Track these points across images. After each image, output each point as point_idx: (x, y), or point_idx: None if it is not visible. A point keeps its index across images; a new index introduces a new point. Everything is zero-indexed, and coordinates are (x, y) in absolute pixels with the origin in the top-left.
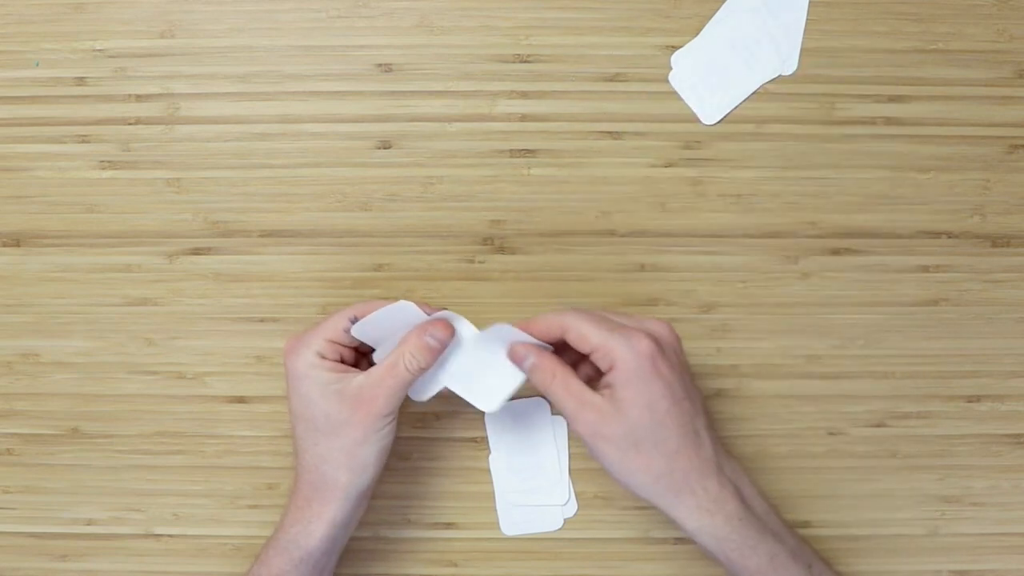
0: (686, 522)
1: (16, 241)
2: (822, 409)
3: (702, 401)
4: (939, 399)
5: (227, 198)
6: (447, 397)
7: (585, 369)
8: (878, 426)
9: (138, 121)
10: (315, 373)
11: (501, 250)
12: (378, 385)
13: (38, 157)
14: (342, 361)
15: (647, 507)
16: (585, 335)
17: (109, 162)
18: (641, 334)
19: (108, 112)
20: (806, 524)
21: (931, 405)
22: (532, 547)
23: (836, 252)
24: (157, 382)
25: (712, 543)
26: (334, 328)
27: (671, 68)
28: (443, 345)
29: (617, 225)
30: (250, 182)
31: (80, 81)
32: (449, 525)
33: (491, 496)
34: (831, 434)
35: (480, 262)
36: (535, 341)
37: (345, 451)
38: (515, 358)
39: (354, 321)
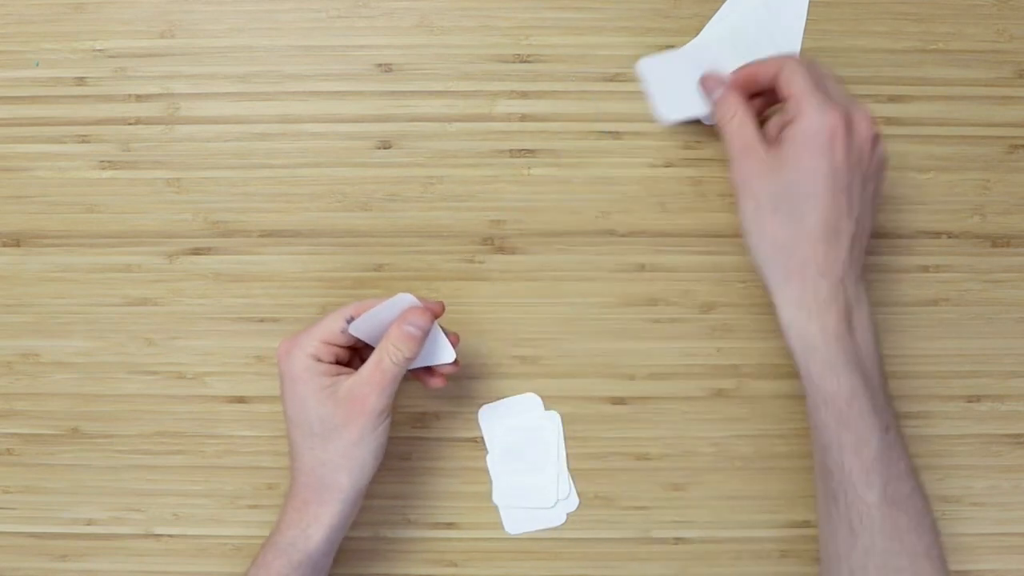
0: (782, 310)
1: (16, 241)
2: None
3: (866, 215)
4: (939, 399)
5: (227, 198)
6: None
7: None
8: None
9: (138, 121)
10: (309, 376)
11: (501, 250)
12: (367, 383)
13: (38, 157)
14: (337, 362)
15: (647, 507)
16: (792, 80)
17: (109, 162)
18: (839, 110)
19: (108, 112)
20: (806, 524)
21: (931, 405)
22: (532, 547)
23: None
24: (157, 382)
25: (798, 346)
26: (329, 329)
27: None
28: (424, 332)
29: (617, 225)
30: (250, 182)
31: (80, 81)
32: (449, 525)
33: (491, 496)
34: None
35: (480, 262)
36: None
37: (342, 453)
38: (706, 86)
39: (350, 320)
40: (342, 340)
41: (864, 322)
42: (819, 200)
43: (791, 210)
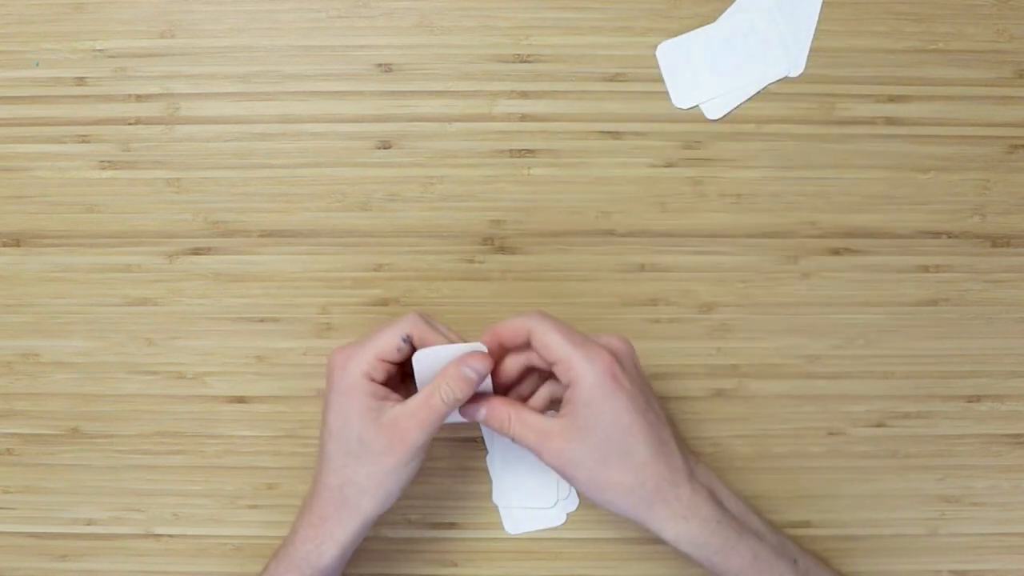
0: (664, 532)
1: (16, 241)
2: (822, 409)
3: (665, 411)
4: (939, 399)
5: (227, 198)
6: None
7: (548, 388)
8: (878, 426)
9: (138, 121)
10: (360, 395)
11: (501, 250)
12: (413, 416)
13: (38, 157)
14: (388, 380)
15: None
16: (549, 345)
17: (109, 162)
18: (601, 349)
19: (108, 112)
20: (806, 524)
21: (931, 405)
22: (532, 547)
23: (836, 252)
24: (157, 382)
25: (693, 549)
26: (385, 347)
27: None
28: (481, 377)
29: (617, 225)
30: (250, 182)
31: (80, 81)
32: (450, 525)
33: (491, 496)
34: (831, 434)
35: (480, 262)
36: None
37: (373, 478)
38: (467, 414)
39: (407, 339)
40: (396, 357)
41: (725, 491)
42: (636, 433)
43: (620, 455)
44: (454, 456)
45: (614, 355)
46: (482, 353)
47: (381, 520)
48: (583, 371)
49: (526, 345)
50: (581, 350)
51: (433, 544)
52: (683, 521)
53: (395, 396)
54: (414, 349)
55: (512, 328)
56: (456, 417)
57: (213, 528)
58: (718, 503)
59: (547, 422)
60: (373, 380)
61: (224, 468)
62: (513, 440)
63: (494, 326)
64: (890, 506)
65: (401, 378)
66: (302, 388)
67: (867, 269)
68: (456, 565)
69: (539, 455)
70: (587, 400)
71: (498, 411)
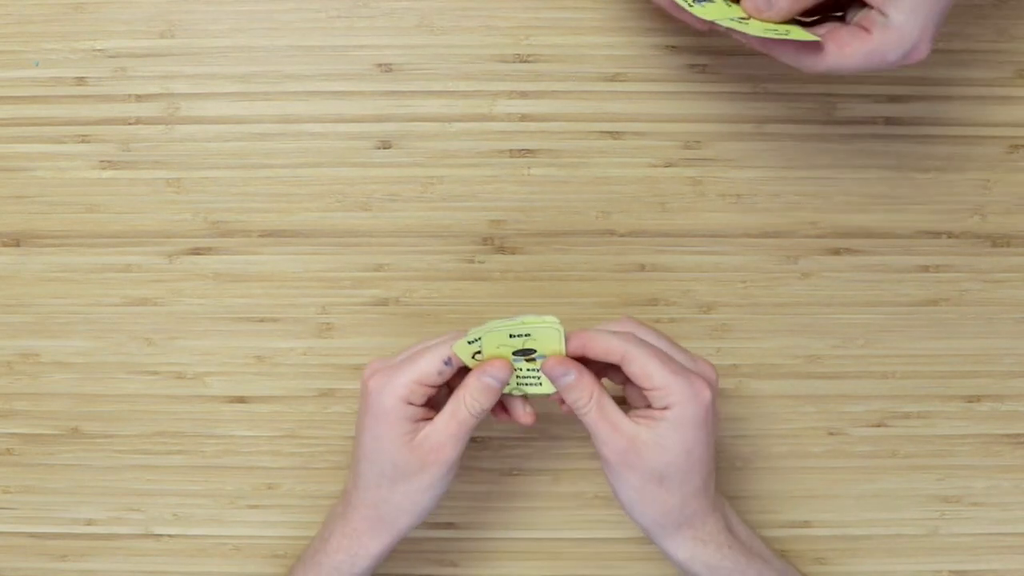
0: (677, 552)
1: (16, 241)
2: (822, 409)
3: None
4: (939, 399)
5: (227, 198)
6: None
7: (630, 393)
8: (878, 426)
9: (138, 121)
10: (396, 420)
11: (501, 250)
12: (443, 433)
13: (38, 157)
14: (428, 402)
15: None
16: (649, 375)
17: (109, 162)
18: (702, 383)
19: (108, 112)
20: (806, 524)
21: (931, 405)
22: (532, 547)
23: (836, 252)
24: (157, 382)
25: (704, 570)
26: (425, 371)
27: None
28: (502, 384)
29: (617, 225)
30: (250, 182)
31: (80, 81)
32: (449, 525)
33: (491, 496)
34: (831, 434)
35: (480, 262)
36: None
37: (409, 497)
38: (552, 373)
39: (448, 362)
40: (436, 381)
41: (735, 517)
42: (699, 464)
43: (680, 479)
44: None
45: (711, 386)
46: (502, 360)
47: None
48: (684, 403)
49: (616, 367)
50: (683, 379)
51: (433, 544)
52: (700, 544)
53: (430, 414)
54: (456, 371)
55: (604, 348)
56: (539, 388)
57: (213, 528)
58: (730, 529)
59: (625, 421)
60: (411, 404)
61: (224, 468)
62: (581, 420)
63: (583, 334)
64: (890, 506)
65: (449, 391)
66: (302, 388)
67: (867, 269)
68: (456, 565)
69: (600, 446)
70: (677, 427)
71: (585, 386)
